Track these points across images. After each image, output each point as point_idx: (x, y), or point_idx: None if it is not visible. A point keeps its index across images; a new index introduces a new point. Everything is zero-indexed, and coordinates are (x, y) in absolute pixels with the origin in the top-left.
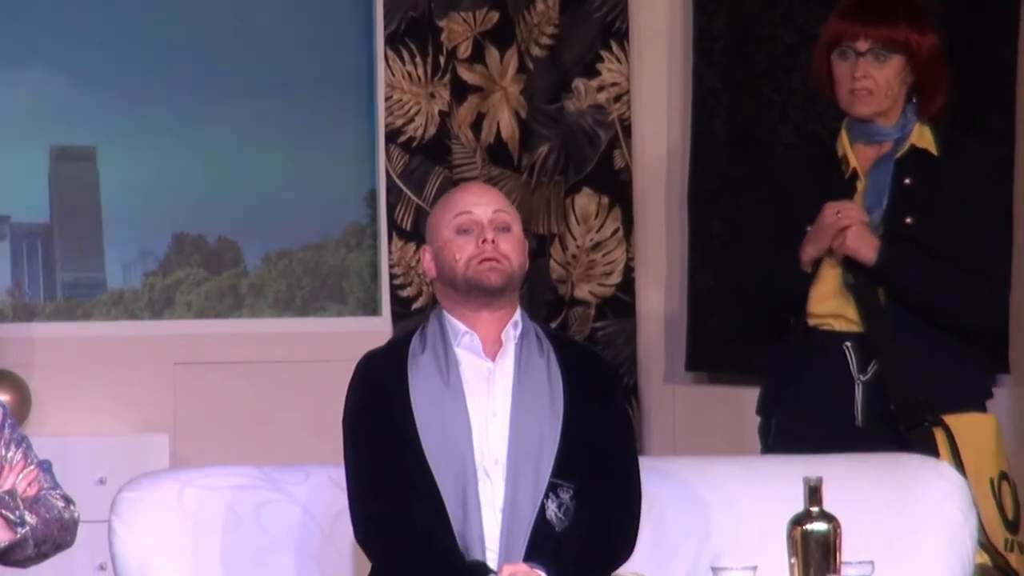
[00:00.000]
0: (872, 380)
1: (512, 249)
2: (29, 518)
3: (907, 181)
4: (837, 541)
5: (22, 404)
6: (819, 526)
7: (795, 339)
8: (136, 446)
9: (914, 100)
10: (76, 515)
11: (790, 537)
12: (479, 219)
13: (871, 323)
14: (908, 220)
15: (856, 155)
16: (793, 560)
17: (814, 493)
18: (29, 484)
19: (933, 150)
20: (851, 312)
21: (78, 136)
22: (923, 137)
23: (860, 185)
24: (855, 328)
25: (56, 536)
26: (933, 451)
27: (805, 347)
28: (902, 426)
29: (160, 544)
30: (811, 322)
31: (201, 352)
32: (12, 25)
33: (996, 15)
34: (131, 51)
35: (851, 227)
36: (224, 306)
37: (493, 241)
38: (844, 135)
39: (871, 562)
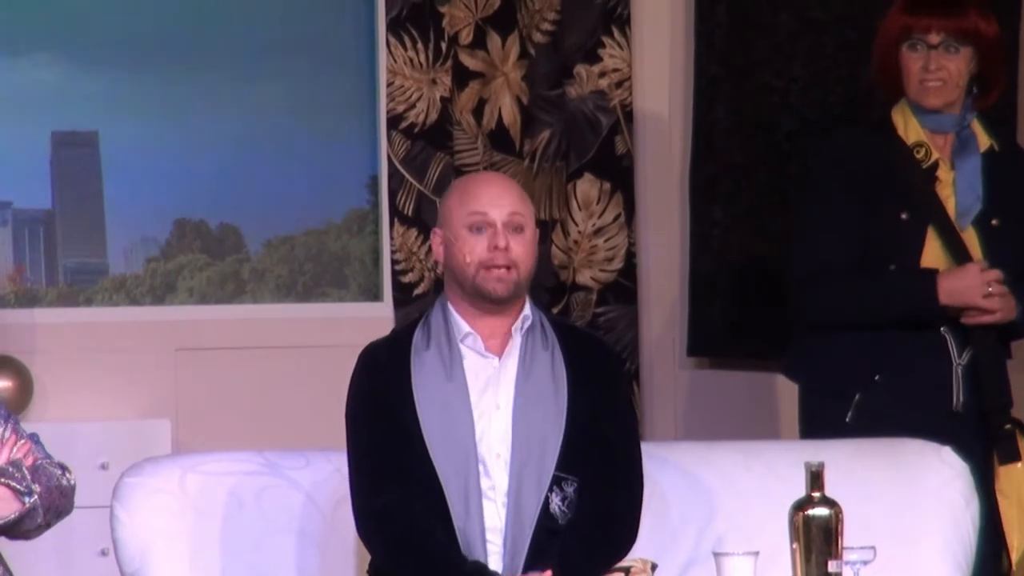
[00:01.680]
0: (969, 365)
1: (523, 252)
2: (35, 487)
3: (983, 179)
4: (839, 526)
5: (24, 390)
6: (821, 511)
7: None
8: (138, 431)
9: (975, 90)
10: (72, 481)
11: (792, 522)
12: (493, 221)
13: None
14: (994, 222)
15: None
16: (795, 545)
17: (816, 478)
18: (24, 456)
19: (996, 145)
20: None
21: (80, 121)
22: (985, 135)
23: (944, 176)
24: (950, 314)
25: (58, 503)
26: (1014, 452)
27: (900, 330)
28: (990, 424)
29: (162, 529)
30: None
31: (203, 338)
32: (13, 10)
33: (999, 2)
34: (133, 36)
35: (999, 310)
36: (226, 292)
37: (506, 248)
38: (914, 122)
39: (873, 547)
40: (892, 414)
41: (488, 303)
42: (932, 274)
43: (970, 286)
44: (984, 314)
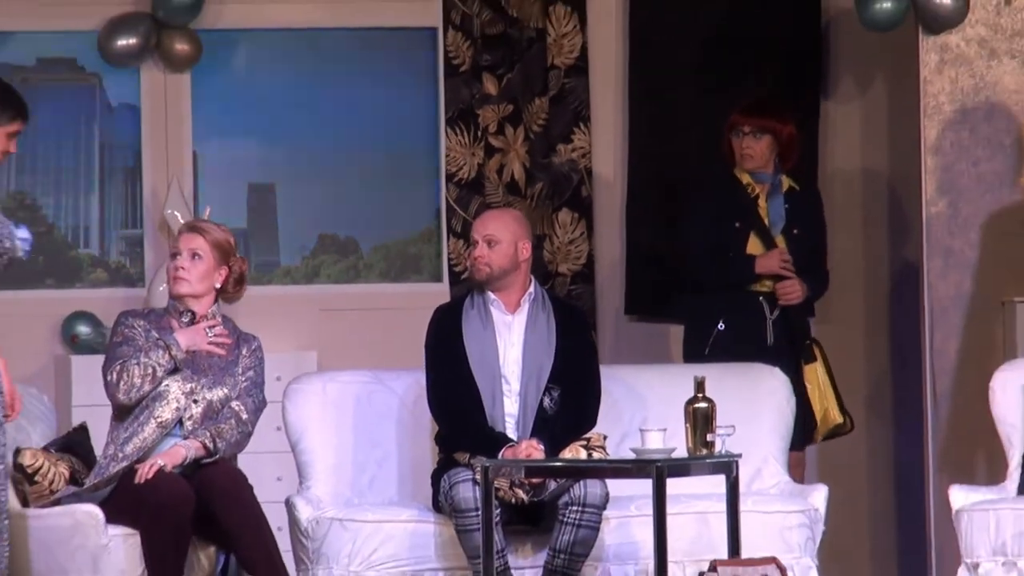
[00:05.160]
0: (777, 319)
1: (497, 256)
2: (220, 444)
3: (786, 206)
4: (713, 414)
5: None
6: (702, 405)
7: (727, 294)
8: (298, 358)
9: (777, 160)
10: (247, 430)
11: (685, 411)
12: (477, 240)
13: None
14: (795, 231)
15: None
16: (687, 425)
17: (700, 385)
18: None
19: (797, 188)
20: (762, 283)
21: (264, 178)
22: (788, 181)
23: (762, 203)
24: (764, 289)
25: (235, 450)
26: (812, 357)
27: (734, 299)
28: (798, 343)
29: (313, 416)
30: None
31: (336, 303)
32: (224, 110)
33: (803, 102)
34: (297, 126)
35: (799, 293)
36: (349, 276)
37: (480, 256)
38: (746, 175)
39: (733, 426)
40: (731, 347)
41: (478, 283)
42: (752, 256)
43: (773, 261)
44: (787, 292)
